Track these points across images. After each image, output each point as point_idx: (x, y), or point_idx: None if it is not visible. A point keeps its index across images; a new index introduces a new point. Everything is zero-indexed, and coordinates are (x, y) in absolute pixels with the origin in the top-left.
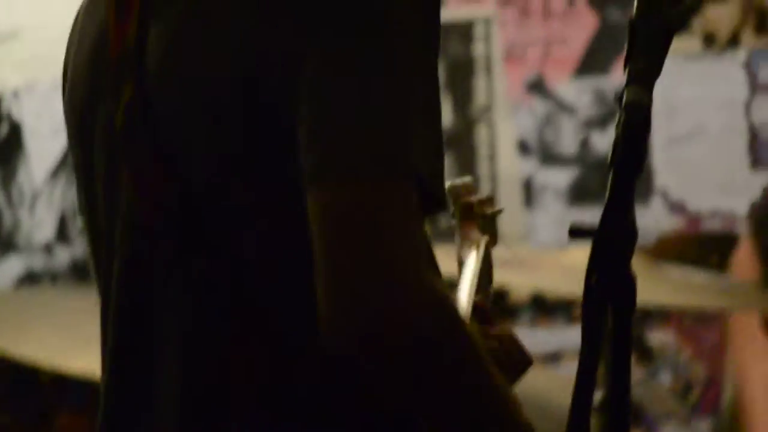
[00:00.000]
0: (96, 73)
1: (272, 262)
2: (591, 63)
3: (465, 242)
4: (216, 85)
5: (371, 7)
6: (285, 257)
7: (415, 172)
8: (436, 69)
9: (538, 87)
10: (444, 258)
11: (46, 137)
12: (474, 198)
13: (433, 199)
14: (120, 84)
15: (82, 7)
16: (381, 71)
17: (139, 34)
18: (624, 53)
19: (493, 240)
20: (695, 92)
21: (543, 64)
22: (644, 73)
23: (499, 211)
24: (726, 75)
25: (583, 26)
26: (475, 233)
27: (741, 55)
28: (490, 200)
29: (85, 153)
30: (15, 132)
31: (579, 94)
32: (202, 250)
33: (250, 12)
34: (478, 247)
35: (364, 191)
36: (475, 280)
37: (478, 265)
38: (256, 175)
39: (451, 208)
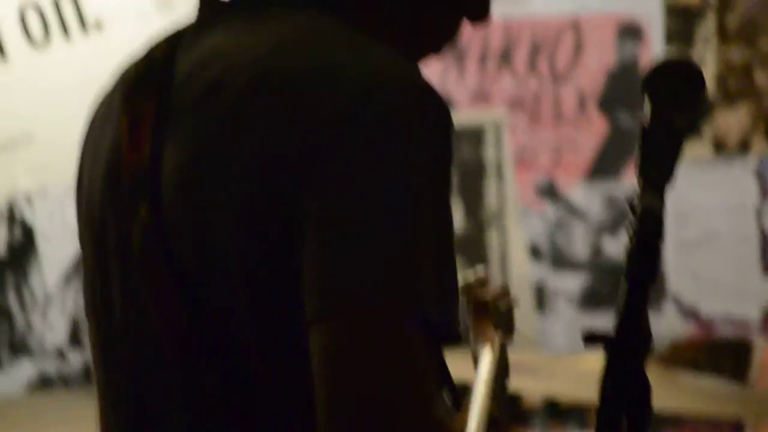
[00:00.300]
0: (112, 189)
1: (280, 384)
2: (602, 168)
3: (479, 340)
4: (227, 217)
5: (383, 139)
6: (292, 382)
7: (420, 305)
8: (448, 202)
9: (549, 191)
10: (458, 363)
11: (59, 241)
12: (487, 291)
13: (445, 331)
14: (135, 204)
15: (95, 113)
16: (389, 206)
17: (153, 152)
18: (635, 158)
19: (509, 334)
20: (706, 198)
21: (554, 169)
22: (657, 179)
23: (515, 304)
24: (737, 181)
25: (594, 131)
26: (490, 331)
27: (751, 161)
28: (505, 292)
29: (100, 262)
30: (27, 236)
31: (590, 199)
32: (211, 369)
33: (262, 142)
34: (493, 345)
35: (363, 326)
36: (490, 386)
37: (494, 369)
38: (266, 303)
39: (465, 305)
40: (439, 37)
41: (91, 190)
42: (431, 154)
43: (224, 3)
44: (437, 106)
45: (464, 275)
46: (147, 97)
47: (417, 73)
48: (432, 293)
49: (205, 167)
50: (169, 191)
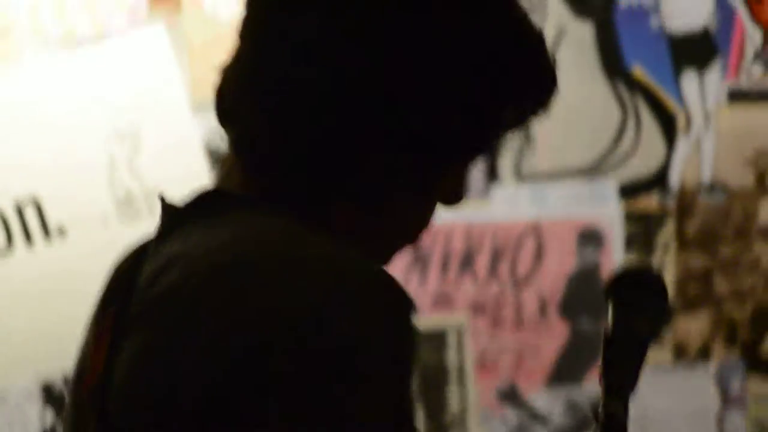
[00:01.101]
0: (74, 404)
1: None
2: (563, 373)
3: None
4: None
5: (337, 356)
6: None
7: None
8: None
9: (510, 396)
10: None
11: None
12: None
13: None
14: (87, 420)
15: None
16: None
17: (106, 366)
18: (598, 365)
19: None
20: (667, 404)
21: (515, 374)
22: (620, 386)
23: None
24: (697, 387)
25: (555, 336)
26: None
27: (712, 367)
28: None
29: None
30: None
31: (551, 404)
32: None
33: (207, 354)
34: None
35: None
36: None
37: None
38: None
39: None
40: (414, 226)
41: (67, 408)
42: (392, 367)
43: (185, 210)
44: (399, 301)
45: None
46: (109, 311)
47: (375, 275)
48: None
49: (148, 379)
50: (116, 405)
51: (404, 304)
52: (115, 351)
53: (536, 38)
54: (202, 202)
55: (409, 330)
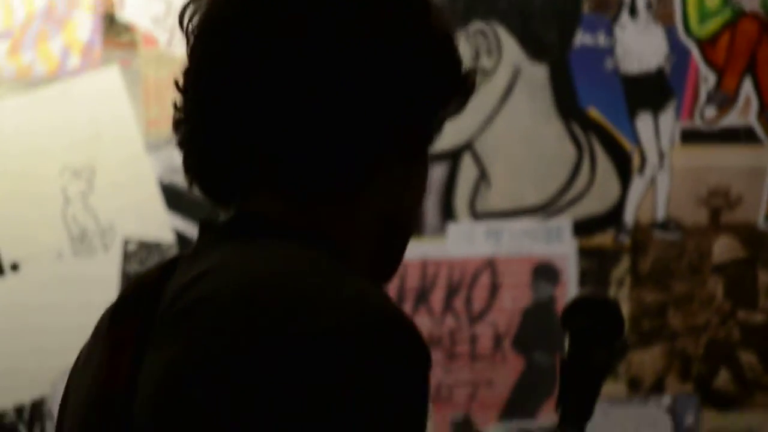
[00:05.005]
0: (90, 413)
1: None
2: (517, 406)
3: None
4: None
5: (353, 383)
6: None
7: None
8: None
9: (465, 429)
10: None
11: None
12: None
13: None
14: (107, 428)
15: (81, 352)
16: None
17: (130, 376)
18: (551, 396)
19: None
20: None
21: (470, 406)
22: (576, 415)
23: None
24: (651, 420)
25: (510, 370)
26: None
27: (666, 400)
28: None
29: None
30: None
31: None
32: None
33: (233, 369)
34: None
35: None
36: None
37: None
38: None
39: None
40: (406, 217)
41: (72, 412)
42: (405, 406)
43: (222, 230)
44: (417, 352)
45: None
46: (130, 321)
47: (399, 316)
48: None
49: (175, 392)
50: (142, 416)
51: (425, 358)
52: (139, 359)
53: (450, 42)
54: (239, 223)
55: (426, 384)
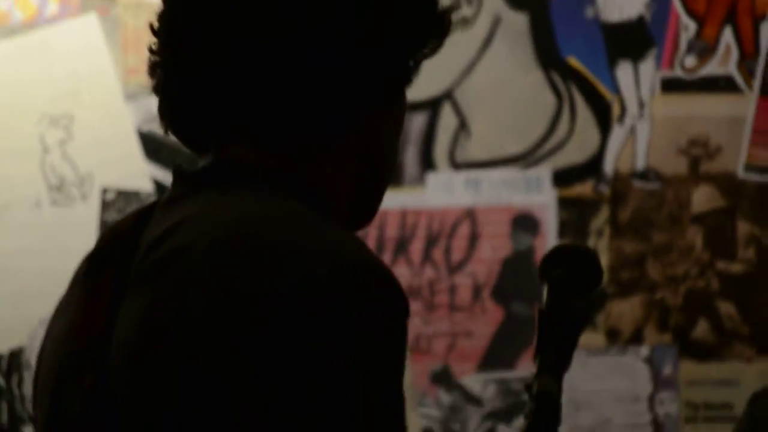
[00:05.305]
0: (65, 358)
1: None
2: (496, 356)
3: None
4: (172, 389)
5: (332, 328)
6: None
7: None
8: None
9: (443, 379)
10: None
11: None
12: None
13: None
14: (82, 372)
15: (59, 302)
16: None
17: (107, 322)
18: (530, 346)
19: None
20: (599, 386)
21: (449, 357)
22: (554, 364)
23: None
24: (630, 370)
25: (489, 320)
26: None
27: (644, 350)
28: None
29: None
30: None
31: (484, 386)
32: None
33: (211, 316)
34: None
35: None
36: None
37: None
38: None
39: None
40: (388, 155)
41: (49, 359)
42: (384, 351)
43: (197, 178)
44: (395, 300)
45: None
46: (106, 268)
47: (377, 265)
48: None
49: (151, 341)
50: (118, 361)
51: (403, 306)
52: (115, 307)
53: None
54: (214, 171)
55: (404, 332)
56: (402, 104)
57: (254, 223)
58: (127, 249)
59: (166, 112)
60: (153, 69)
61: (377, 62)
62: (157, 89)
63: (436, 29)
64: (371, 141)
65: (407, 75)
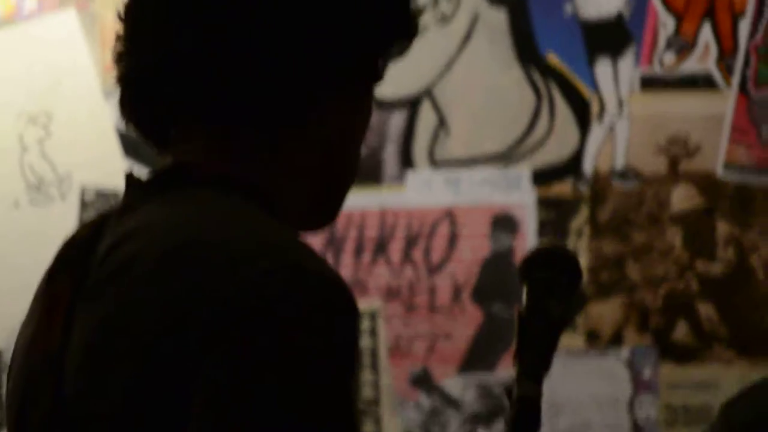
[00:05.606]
0: (27, 371)
1: None
2: (476, 358)
3: None
4: (124, 397)
5: (286, 333)
6: None
7: None
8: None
9: (423, 381)
10: None
11: None
12: None
13: None
14: (42, 386)
15: (24, 320)
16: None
17: (63, 333)
18: (510, 348)
19: None
20: (579, 390)
21: (428, 359)
22: (534, 366)
23: None
24: (609, 373)
25: (468, 321)
26: None
27: (624, 352)
28: None
29: None
30: None
31: (465, 389)
32: None
33: (164, 324)
34: None
35: None
36: None
37: None
38: None
39: None
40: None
41: (14, 371)
42: (336, 356)
43: (149, 185)
44: (346, 307)
45: None
46: (63, 278)
47: (326, 267)
48: None
49: (106, 347)
50: (72, 372)
51: (351, 303)
52: (71, 319)
53: None
54: (164, 177)
55: (355, 334)
56: (368, 102)
57: (199, 233)
58: (83, 259)
59: (125, 103)
60: (119, 58)
61: (342, 55)
62: (120, 79)
63: (401, 29)
64: (333, 135)
65: (372, 71)
